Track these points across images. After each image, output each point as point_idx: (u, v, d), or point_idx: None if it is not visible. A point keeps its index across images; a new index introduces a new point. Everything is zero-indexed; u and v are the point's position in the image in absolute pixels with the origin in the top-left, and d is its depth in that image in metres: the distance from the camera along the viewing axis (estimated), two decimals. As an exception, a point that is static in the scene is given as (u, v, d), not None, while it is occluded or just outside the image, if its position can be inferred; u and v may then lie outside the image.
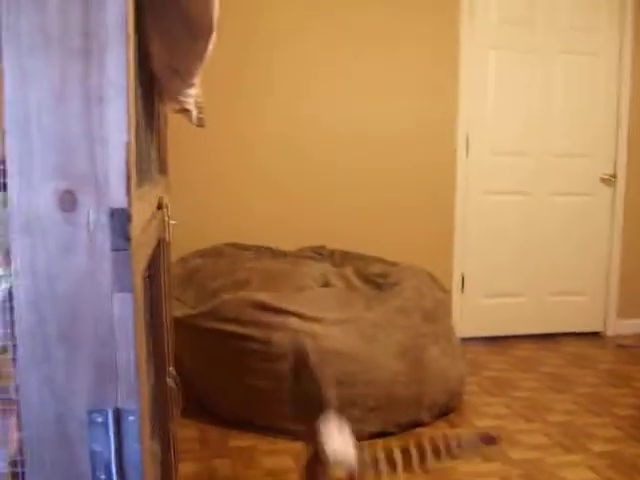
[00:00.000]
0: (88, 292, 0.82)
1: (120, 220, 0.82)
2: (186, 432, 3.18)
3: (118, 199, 0.82)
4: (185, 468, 2.80)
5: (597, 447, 3.13)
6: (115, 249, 0.81)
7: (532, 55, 4.82)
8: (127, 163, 0.82)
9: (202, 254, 4.03)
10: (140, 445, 0.85)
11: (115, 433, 0.84)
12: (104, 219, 0.81)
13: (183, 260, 3.97)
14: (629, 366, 4.41)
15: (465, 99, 4.69)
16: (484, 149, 4.80)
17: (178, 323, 3.29)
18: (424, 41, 4.58)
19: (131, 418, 0.84)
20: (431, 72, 4.61)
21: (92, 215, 0.81)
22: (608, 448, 3.12)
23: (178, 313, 3.31)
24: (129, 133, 0.82)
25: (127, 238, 0.82)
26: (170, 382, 1.68)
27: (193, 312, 3.26)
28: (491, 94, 4.78)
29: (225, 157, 4.33)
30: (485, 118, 4.78)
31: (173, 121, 3.55)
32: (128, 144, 0.81)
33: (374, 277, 3.57)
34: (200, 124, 1.85)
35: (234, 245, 4.19)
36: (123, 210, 0.82)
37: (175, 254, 4.07)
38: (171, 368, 1.75)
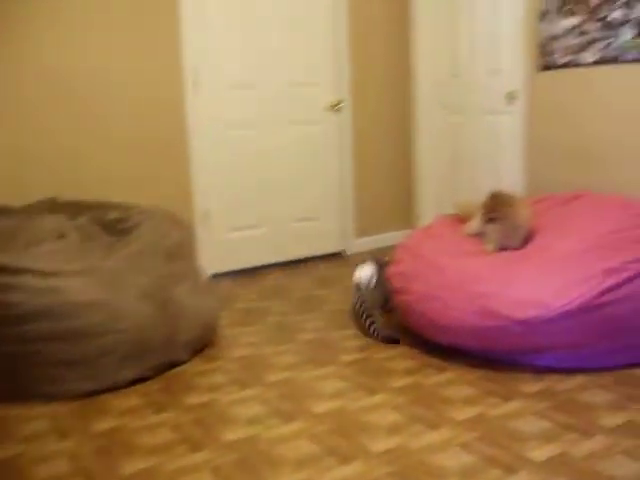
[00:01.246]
0: None
1: None
2: None
3: None
4: None
5: (345, 357, 3.33)
6: None
7: (251, -13, 4.85)
8: None
9: None
10: None
11: None
12: None
13: None
14: (369, 280, 4.72)
15: (190, 31, 4.59)
16: (214, 83, 4.77)
17: None
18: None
19: None
20: (149, 9, 4.45)
21: None
22: (355, 357, 3.34)
23: None
24: None
25: None
26: None
27: None
28: (216, 26, 4.72)
29: None
30: (213, 51, 4.74)
31: None
32: None
33: (112, 223, 3.44)
34: None
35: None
36: None
37: None
38: None
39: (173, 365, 3.27)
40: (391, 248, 5.51)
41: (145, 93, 4.50)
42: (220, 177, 4.88)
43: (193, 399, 2.92)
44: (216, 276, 4.92)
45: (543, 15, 4.44)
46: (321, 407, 2.79)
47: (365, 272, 3.75)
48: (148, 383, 3.10)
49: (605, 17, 4.06)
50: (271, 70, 4.99)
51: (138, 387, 3.06)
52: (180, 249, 3.38)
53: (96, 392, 2.99)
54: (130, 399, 2.94)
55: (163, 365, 3.19)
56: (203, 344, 3.48)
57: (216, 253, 4.93)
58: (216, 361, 3.35)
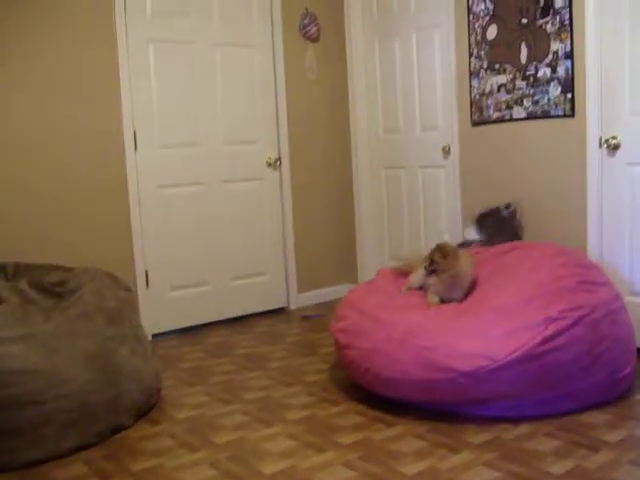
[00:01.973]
0: None
1: None
2: None
3: None
4: None
5: (293, 415, 3.30)
6: None
7: (191, 47, 4.89)
8: None
9: None
10: None
11: None
12: None
13: None
14: (313, 334, 4.72)
15: (129, 95, 4.61)
16: (153, 143, 4.78)
17: None
18: (81, 42, 4.40)
19: None
20: (91, 72, 4.45)
21: None
22: (303, 414, 3.31)
23: None
24: None
25: None
26: None
27: None
28: (155, 88, 4.76)
29: None
30: (152, 112, 4.75)
31: None
32: None
33: (52, 286, 3.37)
34: None
35: None
36: None
37: None
38: None
39: (117, 430, 3.18)
40: (335, 302, 5.52)
41: (85, 156, 4.47)
42: (161, 236, 4.85)
43: (139, 465, 2.85)
44: (159, 336, 4.84)
45: (474, 73, 4.60)
46: (271, 468, 2.75)
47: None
48: (92, 450, 3.01)
49: (534, 74, 4.23)
50: (210, 129, 5.02)
51: (82, 454, 2.96)
52: (121, 311, 3.33)
53: (39, 461, 2.89)
54: (74, 467, 2.85)
55: (107, 431, 3.11)
56: (147, 407, 3.41)
57: (158, 313, 4.87)
58: (161, 424, 3.28)
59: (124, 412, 3.19)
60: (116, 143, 4.60)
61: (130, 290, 3.60)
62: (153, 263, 4.83)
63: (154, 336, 4.80)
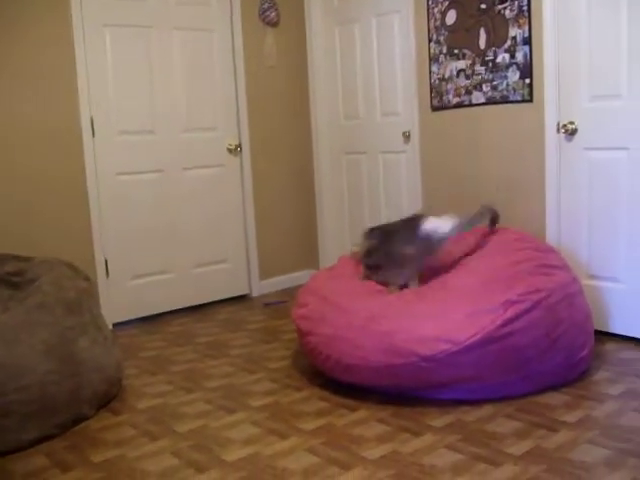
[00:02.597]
0: None
1: None
2: None
3: None
4: None
5: (256, 402, 3.30)
6: None
7: (148, 31, 4.82)
8: None
9: None
10: None
11: None
12: None
13: None
14: (276, 321, 4.72)
15: (85, 81, 4.54)
16: (111, 130, 4.71)
17: None
18: (35, 27, 4.31)
19: None
20: (46, 58, 4.37)
21: None
22: (266, 401, 3.32)
23: None
24: None
25: None
26: None
27: None
28: (112, 73, 4.68)
29: None
30: (109, 98, 4.69)
31: None
32: None
33: (8, 276, 3.32)
34: None
35: None
36: None
37: None
38: None
39: (78, 421, 3.15)
40: (297, 288, 5.52)
41: (41, 144, 4.39)
42: (120, 225, 4.79)
43: (100, 456, 2.82)
44: (120, 325, 4.80)
45: (434, 58, 4.62)
46: (234, 455, 2.75)
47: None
48: (53, 441, 2.97)
49: (492, 60, 4.26)
50: (169, 116, 4.97)
51: (43, 446, 2.93)
52: (81, 300, 3.29)
53: (-2, 454, 2.86)
54: (35, 460, 2.81)
55: (68, 422, 3.08)
56: (109, 397, 3.38)
57: (119, 302, 4.82)
58: (123, 414, 3.26)
59: (85, 402, 3.16)
60: (73, 130, 4.53)
61: (90, 279, 3.56)
62: (113, 252, 4.77)
63: (115, 325, 4.76)
